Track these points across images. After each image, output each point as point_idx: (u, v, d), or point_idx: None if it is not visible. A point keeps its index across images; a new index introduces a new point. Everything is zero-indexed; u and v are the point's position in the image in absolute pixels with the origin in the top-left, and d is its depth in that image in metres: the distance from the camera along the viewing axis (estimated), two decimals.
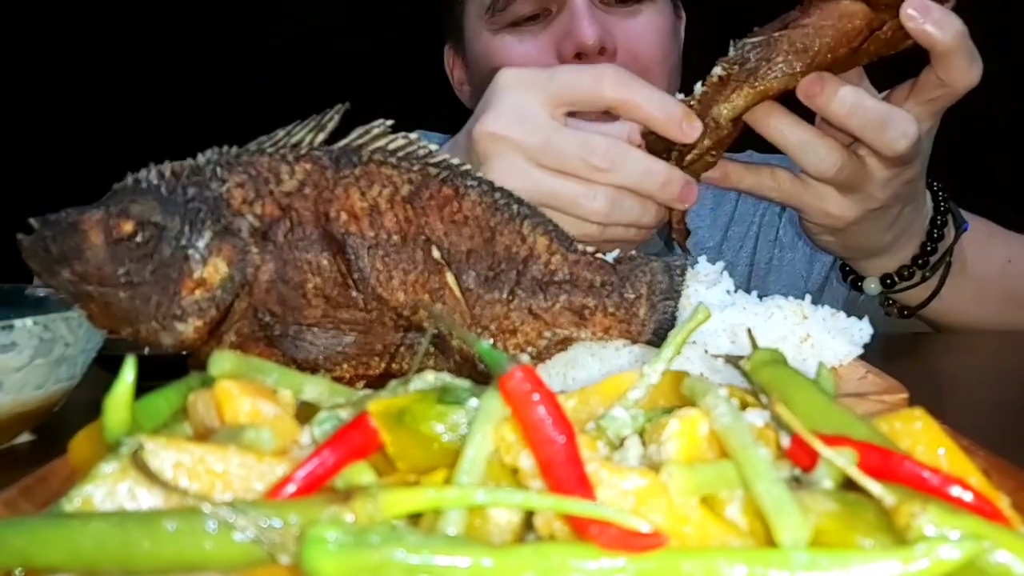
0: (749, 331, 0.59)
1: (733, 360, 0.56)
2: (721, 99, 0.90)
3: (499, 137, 0.91)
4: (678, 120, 0.90)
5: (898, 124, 0.92)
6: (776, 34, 0.88)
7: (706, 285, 0.80)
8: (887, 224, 1.09)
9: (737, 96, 0.89)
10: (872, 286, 1.23)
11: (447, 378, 0.51)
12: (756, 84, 0.89)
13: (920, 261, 1.18)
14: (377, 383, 0.69)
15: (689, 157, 0.92)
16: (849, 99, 0.90)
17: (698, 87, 0.91)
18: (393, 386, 0.52)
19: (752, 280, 1.55)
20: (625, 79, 0.91)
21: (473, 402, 0.45)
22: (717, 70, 0.90)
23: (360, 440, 0.44)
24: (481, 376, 0.74)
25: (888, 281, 1.21)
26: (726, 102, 0.90)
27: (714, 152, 0.93)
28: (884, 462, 0.42)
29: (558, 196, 0.91)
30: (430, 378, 0.51)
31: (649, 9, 1.37)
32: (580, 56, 1.28)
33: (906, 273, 1.19)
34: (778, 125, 0.94)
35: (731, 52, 0.90)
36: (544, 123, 0.91)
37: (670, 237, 0.99)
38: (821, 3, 0.88)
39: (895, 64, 0.94)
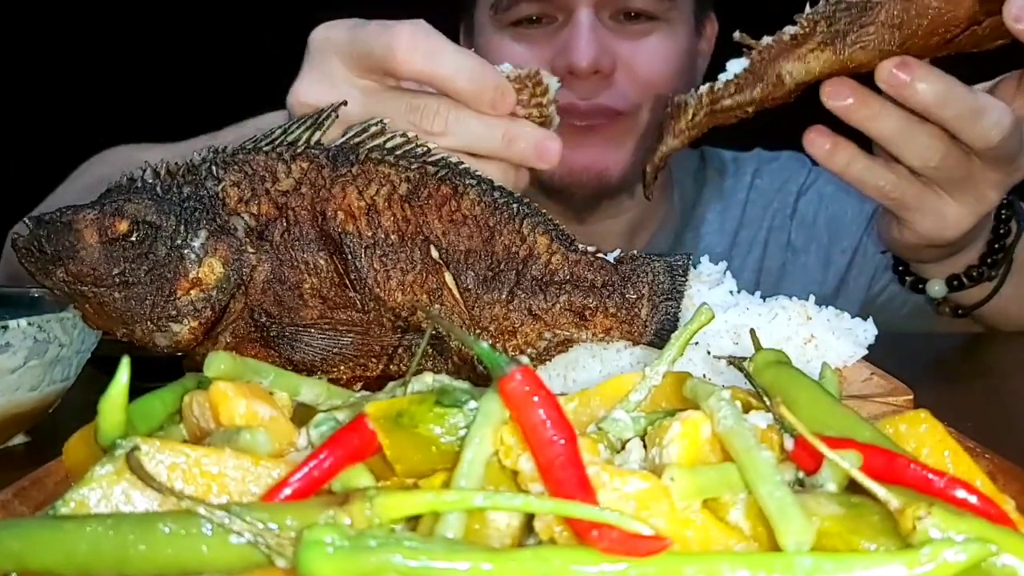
0: (752, 332, 0.58)
1: (736, 361, 0.55)
2: (793, 56, 0.81)
3: (311, 106, 0.81)
4: (489, 94, 0.80)
5: (991, 113, 0.86)
6: (874, 0, 0.79)
7: (708, 285, 0.79)
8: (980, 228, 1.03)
9: (814, 58, 0.81)
10: (937, 288, 1.16)
11: (445, 380, 0.50)
12: (840, 52, 0.80)
13: (989, 260, 1.13)
14: (375, 385, 0.69)
15: (727, 103, 0.85)
16: (941, 86, 0.83)
17: (765, 39, 0.83)
18: (391, 388, 0.51)
19: (762, 286, 1.51)
20: (426, 44, 0.80)
21: (472, 404, 0.44)
22: (792, 28, 0.81)
23: (357, 443, 0.44)
24: (480, 378, 0.73)
25: (955, 282, 1.15)
26: (799, 60, 0.81)
27: (753, 108, 0.85)
28: (889, 465, 0.42)
29: None
30: (428, 380, 0.50)
31: (660, 32, 1.34)
32: (571, 74, 1.26)
33: (975, 273, 1.14)
34: (870, 109, 0.86)
35: (819, 6, 0.81)
36: (356, 87, 0.83)
37: (644, 170, 0.92)
38: None
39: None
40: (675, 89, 1.30)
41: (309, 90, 0.85)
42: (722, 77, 0.86)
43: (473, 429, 0.42)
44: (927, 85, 0.83)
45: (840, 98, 0.85)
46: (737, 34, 0.84)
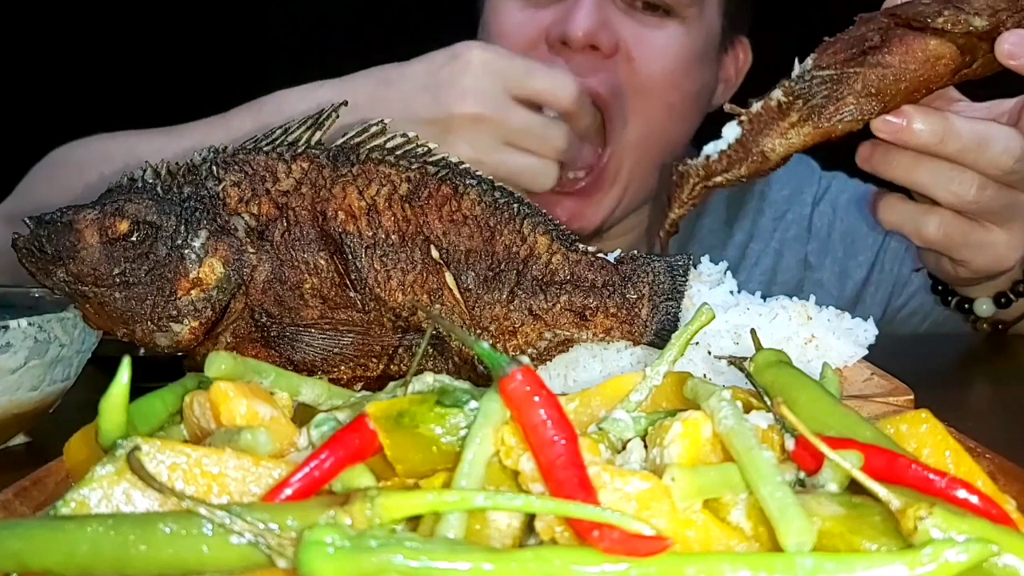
0: (753, 332, 0.58)
1: (737, 361, 0.55)
2: (776, 132, 0.82)
3: (477, 117, 1.01)
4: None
5: (997, 141, 0.86)
6: (850, 70, 0.80)
7: (709, 285, 0.79)
8: None
9: (795, 133, 0.81)
10: (985, 307, 1.17)
11: (446, 380, 0.50)
12: (820, 124, 0.81)
13: None
14: (375, 385, 0.69)
15: (718, 179, 0.86)
16: (937, 126, 0.84)
17: (754, 105, 0.83)
18: (392, 387, 0.51)
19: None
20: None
21: (473, 404, 0.44)
22: (777, 94, 0.82)
23: (358, 443, 0.44)
24: (481, 378, 0.73)
25: (1003, 299, 1.15)
26: (781, 136, 0.82)
27: (745, 180, 0.86)
28: (890, 465, 0.42)
29: (521, 171, 1.02)
30: (429, 379, 0.50)
31: (675, 27, 1.26)
32: (565, 44, 1.21)
33: (1021, 289, 1.14)
34: (899, 163, 0.88)
35: (795, 73, 0.82)
36: (510, 105, 1.02)
37: (659, 236, 0.94)
38: (906, 37, 0.79)
39: None
40: (672, 93, 1.27)
41: (475, 104, 1.03)
42: (715, 145, 0.86)
43: (474, 429, 0.42)
44: (923, 125, 0.84)
45: (866, 162, 0.91)
46: (727, 105, 0.85)
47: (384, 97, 1.06)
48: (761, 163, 0.83)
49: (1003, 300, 1.15)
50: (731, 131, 0.84)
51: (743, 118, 0.83)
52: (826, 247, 1.47)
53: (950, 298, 1.21)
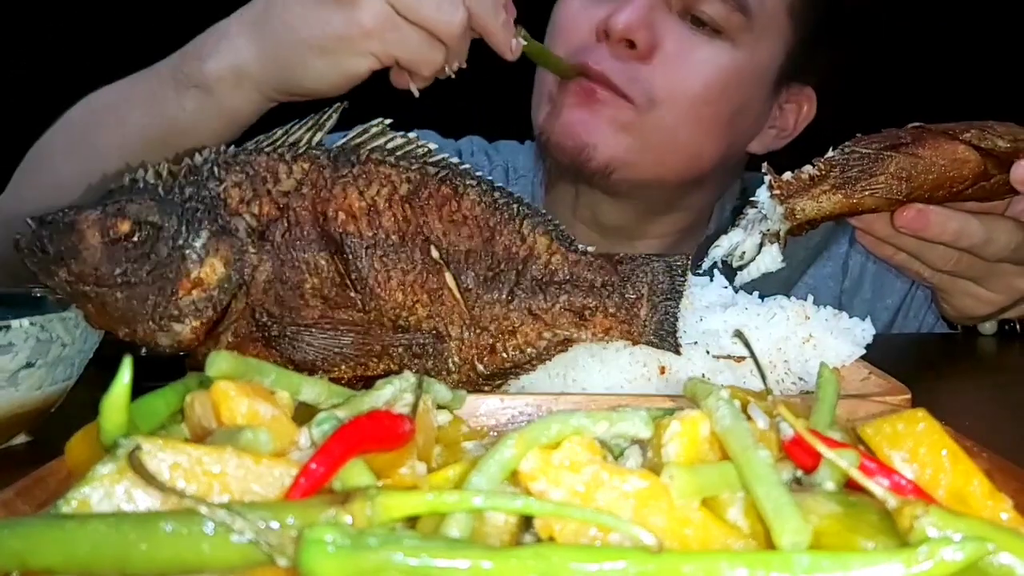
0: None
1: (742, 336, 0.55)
2: (808, 195, 0.85)
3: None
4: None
5: (1001, 237, 0.95)
6: (886, 152, 0.85)
7: (701, 285, 0.79)
8: None
9: (827, 199, 0.85)
10: (988, 327, 1.23)
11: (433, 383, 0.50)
12: (850, 195, 0.85)
13: None
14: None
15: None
16: (953, 226, 0.92)
17: (788, 175, 0.86)
18: (379, 385, 0.52)
19: None
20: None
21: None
22: (810, 168, 0.85)
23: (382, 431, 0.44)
24: (479, 378, 0.73)
25: (1007, 327, 1.22)
26: (813, 199, 0.85)
27: (778, 237, 0.89)
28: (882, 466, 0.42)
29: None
30: (411, 379, 0.51)
31: (720, 46, 1.23)
32: (606, 33, 1.20)
33: None
34: (945, 227, 0.92)
35: (831, 154, 0.86)
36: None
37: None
38: (935, 139, 0.86)
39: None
40: (703, 108, 1.24)
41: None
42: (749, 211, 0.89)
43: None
44: (942, 229, 0.91)
45: (871, 246, 0.99)
46: (764, 165, 0.88)
47: (310, 53, 1.03)
48: (791, 218, 0.86)
49: (1007, 327, 1.23)
50: (761, 194, 0.87)
51: (772, 181, 0.86)
52: (856, 287, 1.46)
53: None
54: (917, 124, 0.89)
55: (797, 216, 0.85)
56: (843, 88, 1.46)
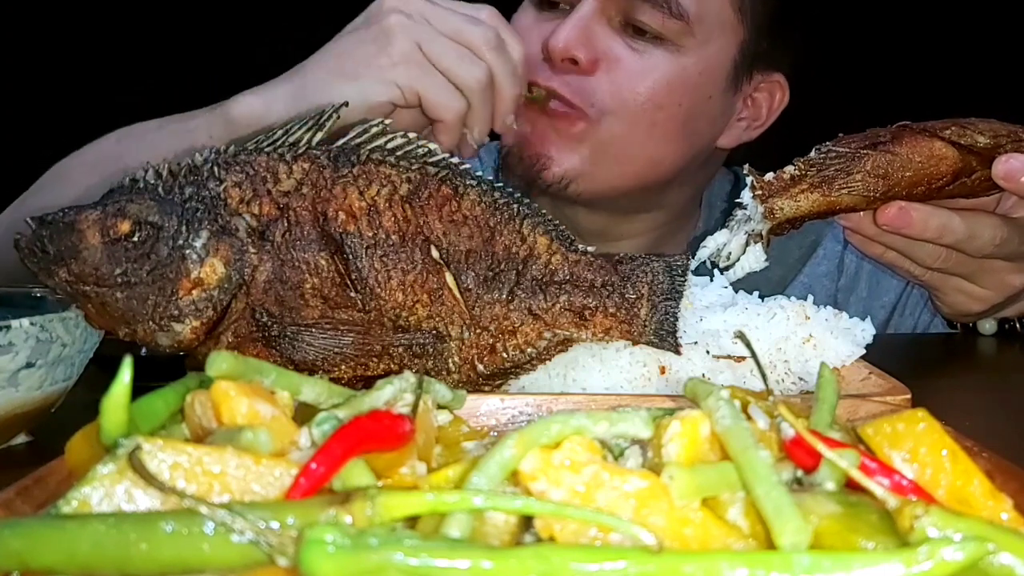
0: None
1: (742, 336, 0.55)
2: (787, 194, 0.86)
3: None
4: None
5: (985, 232, 0.95)
6: (862, 151, 0.86)
7: (701, 285, 0.79)
8: None
9: (804, 198, 0.86)
10: (988, 326, 1.24)
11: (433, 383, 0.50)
12: (828, 193, 0.86)
13: None
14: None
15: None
16: (935, 223, 0.92)
17: (768, 175, 0.88)
18: (379, 385, 0.52)
19: None
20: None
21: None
22: (791, 169, 0.87)
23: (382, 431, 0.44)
24: (479, 378, 0.73)
25: (1007, 326, 1.23)
26: (791, 199, 0.86)
27: (761, 237, 0.90)
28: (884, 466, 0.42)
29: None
30: (411, 379, 0.51)
31: (661, 54, 1.24)
32: (546, 58, 1.22)
33: None
34: (927, 223, 0.93)
35: (812, 155, 0.87)
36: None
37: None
38: (913, 136, 0.87)
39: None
40: (655, 112, 1.24)
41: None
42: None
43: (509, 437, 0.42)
44: (924, 226, 0.92)
45: (860, 245, 0.99)
46: (746, 167, 0.89)
47: (337, 79, 1.08)
48: (771, 218, 0.87)
49: (1007, 326, 1.23)
50: (745, 196, 0.88)
51: (755, 181, 0.87)
52: (852, 285, 1.47)
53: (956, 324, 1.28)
54: (901, 123, 0.89)
55: (776, 215, 0.87)
56: (817, 73, 1.47)
